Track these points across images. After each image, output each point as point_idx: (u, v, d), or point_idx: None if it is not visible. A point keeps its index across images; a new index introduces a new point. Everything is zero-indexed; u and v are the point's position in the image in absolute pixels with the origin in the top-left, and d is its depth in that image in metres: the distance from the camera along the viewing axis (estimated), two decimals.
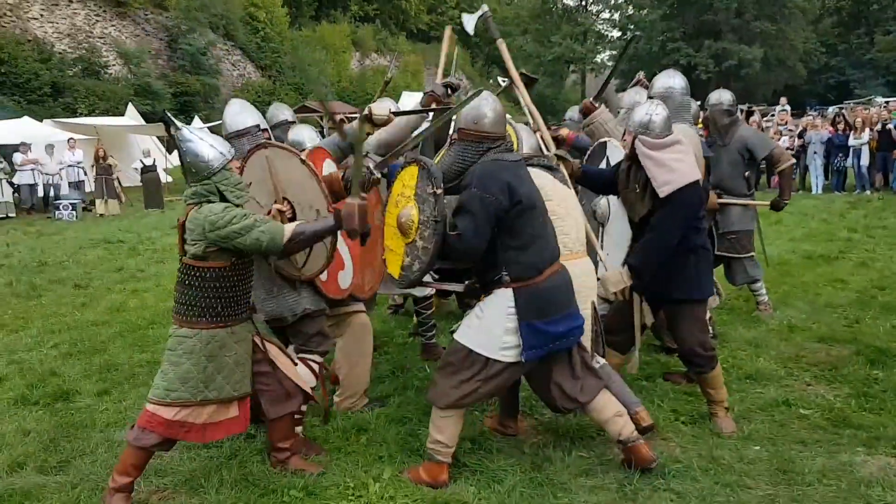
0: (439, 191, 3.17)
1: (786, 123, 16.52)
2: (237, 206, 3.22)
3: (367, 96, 42.65)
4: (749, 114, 18.48)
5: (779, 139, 15.92)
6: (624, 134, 3.94)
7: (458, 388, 3.31)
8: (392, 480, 3.38)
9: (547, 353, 3.32)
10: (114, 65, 30.48)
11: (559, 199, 3.69)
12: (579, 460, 3.56)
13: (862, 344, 5.18)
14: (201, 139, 3.27)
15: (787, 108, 17.44)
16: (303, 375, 3.61)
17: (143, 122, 23.14)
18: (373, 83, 43.62)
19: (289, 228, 3.21)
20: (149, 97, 28.88)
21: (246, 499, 3.27)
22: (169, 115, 4.12)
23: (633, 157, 3.82)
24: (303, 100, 34.82)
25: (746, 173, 6.00)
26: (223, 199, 3.21)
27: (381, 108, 3.95)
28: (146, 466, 3.33)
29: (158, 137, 22.03)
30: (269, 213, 3.62)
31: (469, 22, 4.63)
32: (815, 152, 15.82)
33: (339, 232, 3.40)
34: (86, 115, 24.20)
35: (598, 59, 53.65)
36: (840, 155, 15.47)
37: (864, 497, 3.16)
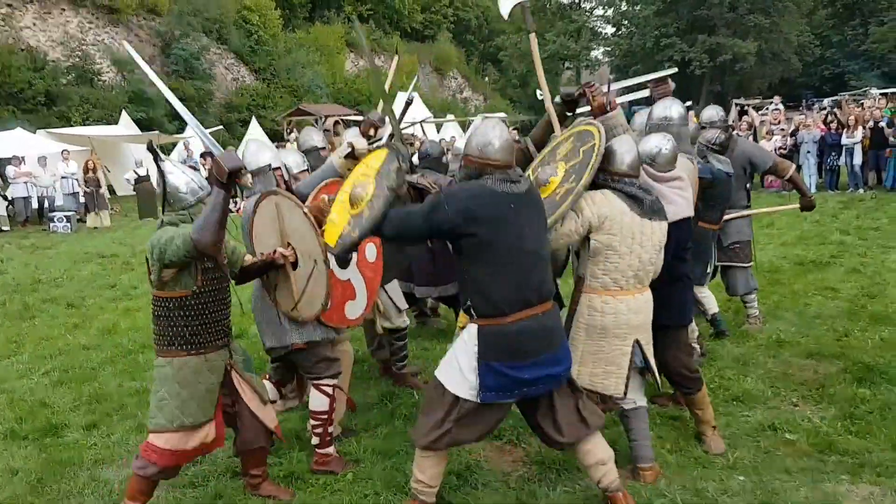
0: (404, 165, 3.21)
1: (779, 123, 16.50)
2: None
3: (362, 97, 42.63)
4: (742, 113, 18.52)
5: (771, 138, 15.92)
6: None
7: (434, 429, 3.24)
8: None
9: (510, 397, 3.22)
10: (108, 72, 30.47)
11: (623, 236, 3.49)
12: (564, 495, 3.58)
13: (850, 360, 5.20)
14: (183, 173, 3.44)
15: (781, 107, 17.44)
16: (270, 418, 3.65)
17: (137, 131, 23.12)
18: (367, 84, 43.58)
19: (195, 225, 3.12)
20: (143, 104, 28.85)
21: None
22: (154, 146, 4.12)
23: None
24: (298, 102, 34.82)
25: (748, 185, 6.13)
26: None
27: (361, 143, 4.05)
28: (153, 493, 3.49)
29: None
30: (273, 252, 3.69)
31: (504, 5, 4.45)
32: (808, 151, 15.81)
33: (354, 263, 3.81)
34: (80, 124, 24.18)
35: (593, 55, 53.60)
36: (833, 154, 15.48)
37: None
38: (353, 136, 4.28)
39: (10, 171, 17.12)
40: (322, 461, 3.97)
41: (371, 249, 4.26)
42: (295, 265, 3.72)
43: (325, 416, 3.96)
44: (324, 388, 3.96)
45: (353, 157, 4.02)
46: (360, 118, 11.78)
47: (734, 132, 6.42)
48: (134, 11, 32.69)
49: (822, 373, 5.06)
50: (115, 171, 20.25)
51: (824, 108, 23.52)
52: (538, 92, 4.43)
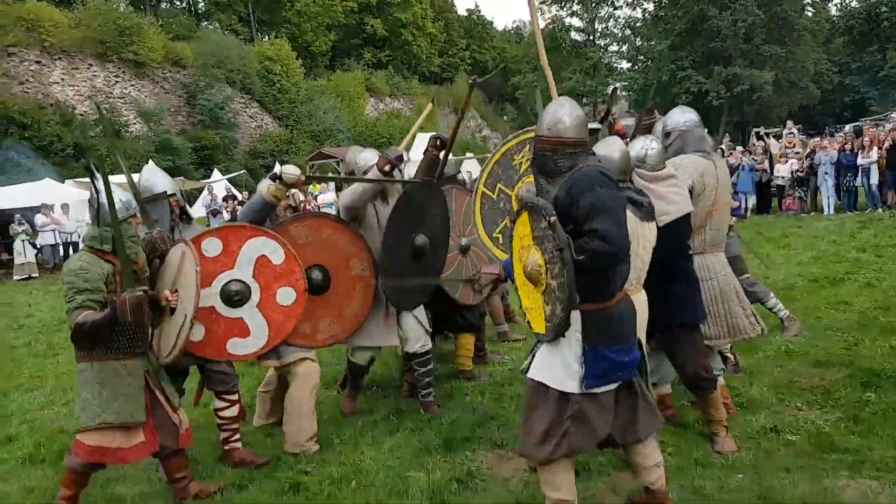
0: (553, 218, 2.89)
1: (793, 146, 16.51)
2: (125, 256, 3.58)
3: (383, 139, 43.31)
4: (759, 137, 18.54)
5: (785, 162, 15.92)
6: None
7: (548, 438, 3.04)
8: None
9: (608, 384, 3.10)
10: (134, 123, 31.35)
11: (632, 236, 3.44)
12: None
13: (857, 367, 5.18)
14: (112, 192, 3.65)
15: (794, 131, 17.47)
16: (181, 421, 3.87)
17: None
18: (387, 126, 44.31)
19: (80, 317, 3.47)
20: (169, 153, 29.62)
21: None
22: (93, 164, 4.28)
23: None
24: (319, 146, 35.44)
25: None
26: (114, 246, 3.59)
27: (290, 169, 4.38)
28: (86, 484, 3.82)
29: (179, 191, 22.54)
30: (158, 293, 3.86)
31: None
32: (825, 173, 15.76)
33: (254, 303, 4.25)
34: (109, 174, 24.79)
35: (609, 89, 53.99)
36: (849, 174, 15.42)
37: None
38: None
39: (38, 219, 17.63)
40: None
41: (287, 293, 4.35)
42: (172, 311, 3.87)
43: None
44: (224, 397, 4.44)
45: (280, 179, 4.35)
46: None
47: (729, 153, 6.47)
48: (159, 64, 33.72)
49: (828, 379, 5.05)
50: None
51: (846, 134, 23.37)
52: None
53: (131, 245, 3.66)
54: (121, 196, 3.73)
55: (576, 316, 3.01)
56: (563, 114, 3.15)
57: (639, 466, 3.33)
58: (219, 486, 4.03)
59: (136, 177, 4.32)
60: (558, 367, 3.08)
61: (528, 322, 3.20)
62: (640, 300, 3.68)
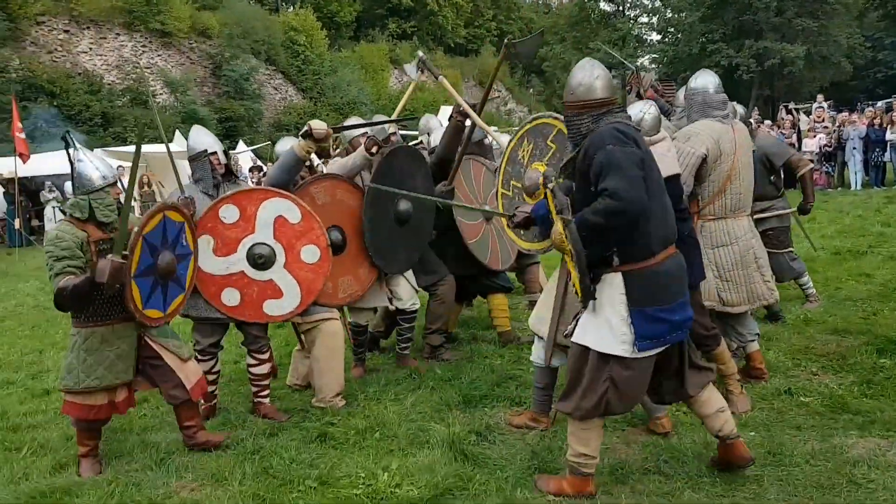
0: (550, 185, 3.05)
1: (822, 120, 16.32)
2: (103, 222, 3.81)
3: (406, 112, 43.25)
4: (788, 112, 18.36)
5: (814, 137, 15.76)
6: None
7: (588, 397, 3.12)
8: (399, 470, 3.60)
9: (662, 344, 3.12)
10: (161, 94, 31.58)
11: None
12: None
13: (874, 335, 5.24)
14: (91, 161, 3.89)
15: (824, 105, 17.27)
16: (191, 371, 4.07)
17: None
18: (412, 99, 44.17)
19: (62, 282, 3.64)
20: (195, 124, 29.82)
21: (265, 489, 3.54)
22: (70, 134, 4.33)
23: None
24: (343, 119, 35.47)
25: (772, 177, 6.15)
26: (92, 214, 3.78)
27: (318, 124, 4.54)
28: (99, 437, 4.05)
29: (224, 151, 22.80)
30: None
31: (411, 70, 4.87)
32: (853, 148, 15.60)
33: (281, 264, 4.43)
34: (133, 144, 25.13)
35: (639, 62, 53.32)
36: (878, 150, 15.24)
37: (849, 476, 3.27)
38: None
39: (68, 186, 17.91)
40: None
41: (311, 251, 4.51)
42: None
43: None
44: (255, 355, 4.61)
45: (311, 136, 4.50)
46: (405, 132, 12.12)
47: (757, 127, 6.46)
48: (185, 35, 33.84)
49: (844, 346, 5.11)
50: (169, 186, 21.02)
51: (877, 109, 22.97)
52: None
53: (108, 213, 3.82)
54: (99, 166, 3.87)
55: (617, 278, 3.06)
56: (584, 76, 3.17)
57: (702, 417, 3.37)
58: (226, 436, 4.20)
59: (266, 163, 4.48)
60: (603, 331, 3.11)
61: (576, 291, 3.23)
62: None
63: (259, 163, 24.25)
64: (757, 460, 3.43)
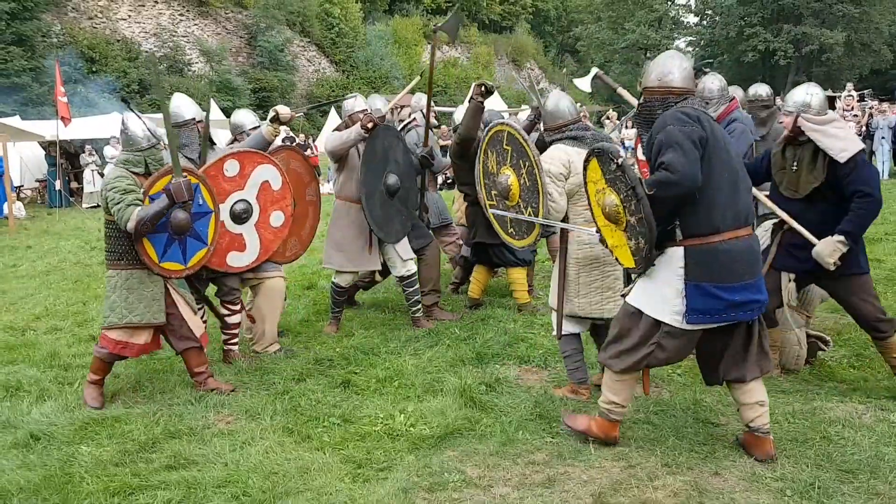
0: (620, 160, 3.11)
1: (851, 108, 16.31)
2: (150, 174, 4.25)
3: (438, 88, 43.30)
4: (831, 99, 18.30)
5: None
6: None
7: (632, 353, 3.30)
8: (414, 413, 3.98)
9: (719, 321, 3.20)
10: (196, 62, 32.11)
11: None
12: (575, 402, 4.09)
13: None
14: (140, 122, 4.32)
15: (854, 93, 17.23)
16: (196, 324, 4.52)
17: (223, 117, 24.43)
18: (443, 75, 44.30)
19: (134, 215, 4.04)
20: (229, 93, 30.36)
21: (294, 423, 3.95)
22: (126, 99, 4.67)
23: (792, 137, 4.11)
24: (374, 92, 35.73)
25: None
26: (147, 169, 4.28)
27: (283, 109, 5.00)
28: (109, 371, 4.48)
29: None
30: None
31: (583, 83, 5.04)
32: (882, 137, 15.60)
33: (253, 222, 4.87)
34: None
35: (675, 45, 52.79)
36: None
37: (823, 433, 3.57)
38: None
39: (107, 151, 18.51)
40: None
41: (278, 216, 5.03)
42: None
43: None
44: (228, 306, 5.07)
45: (278, 120, 4.93)
46: (440, 108, 12.38)
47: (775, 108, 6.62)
48: (222, 4, 34.27)
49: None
50: None
51: None
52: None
53: (158, 167, 4.31)
54: (146, 127, 4.31)
55: (678, 252, 3.17)
56: (672, 65, 3.34)
57: (739, 403, 3.42)
58: (232, 387, 4.55)
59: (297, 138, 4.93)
60: (657, 299, 3.24)
61: (617, 259, 3.39)
62: None
63: (291, 134, 24.72)
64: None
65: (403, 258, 5.72)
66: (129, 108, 4.44)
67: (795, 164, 4.11)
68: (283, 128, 5.40)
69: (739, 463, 3.34)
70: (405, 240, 5.78)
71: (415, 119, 6.85)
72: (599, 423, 3.51)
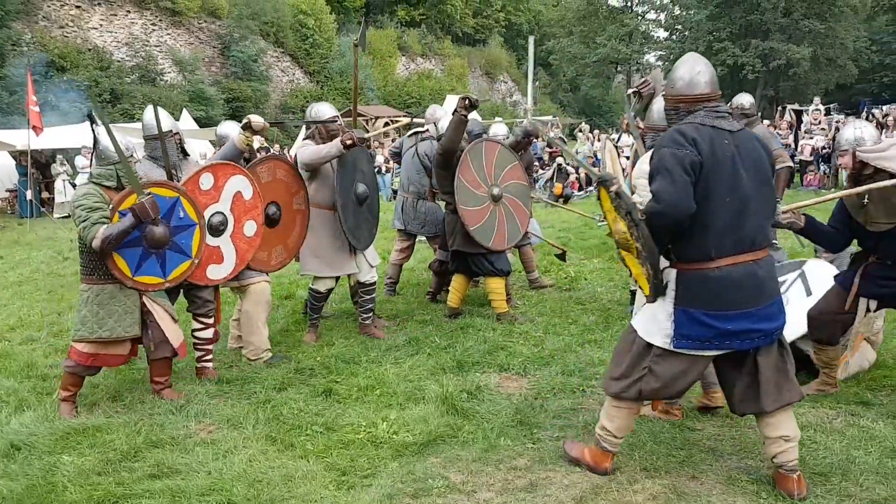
0: (614, 187, 3.08)
1: (819, 122, 16.70)
2: (134, 178, 4.20)
3: (412, 100, 43.47)
4: (798, 113, 18.72)
5: (810, 139, 16.12)
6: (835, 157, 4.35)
7: (623, 377, 3.23)
8: (397, 420, 4.02)
9: (709, 349, 3.10)
10: (169, 72, 31.89)
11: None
12: (556, 407, 4.17)
13: None
14: (113, 135, 4.26)
15: (821, 107, 17.64)
16: (174, 333, 4.50)
17: (196, 127, 24.31)
18: (418, 86, 44.50)
19: (100, 233, 4.03)
20: (202, 103, 30.19)
21: (277, 432, 3.97)
22: (92, 111, 4.66)
23: (855, 174, 4.04)
24: (349, 104, 35.74)
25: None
26: (119, 183, 4.25)
27: (256, 118, 5.03)
28: (82, 385, 4.46)
29: (211, 141, 23.21)
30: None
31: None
32: None
33: (228, 234, 4.88)
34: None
35: (645, 59, 53.57)
36: None
37: None
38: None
39: (79, 160, 18.30)
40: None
41: (251, 226, 5.07)
42: None
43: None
44: (201, 319, 5.01)
45: (250, 128, 4.96)
46: (410, 119, 12.52)
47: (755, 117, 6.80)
48: (195, 14, 34.08)
49: None
50: None
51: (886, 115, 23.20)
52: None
53: (132, 178, 4.27)
54: (120, 139, 4.29)
55: (671, 274, 3.12)
56: (684, 70, 3.22)
57: (762, 435, 3.29)
58: (182, 395, 4.58)
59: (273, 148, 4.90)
60: (650, 321, 3.20)
61: (640, 287, 3.35)
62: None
63: (266, 144, 24.65)
64: (715, 421, 3.86)
65: (371, 264, 5.83)
66: (92, 124, 4.44)
67: (868, 197, 3.98)
68: (258, 138, 5.43)
69: (716, 466, 3.44)
70: (372, 246, 5.92)
71: (428, 130, 6.97)
72: (592, 452, 3.41)
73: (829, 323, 4.24)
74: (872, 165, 3.90)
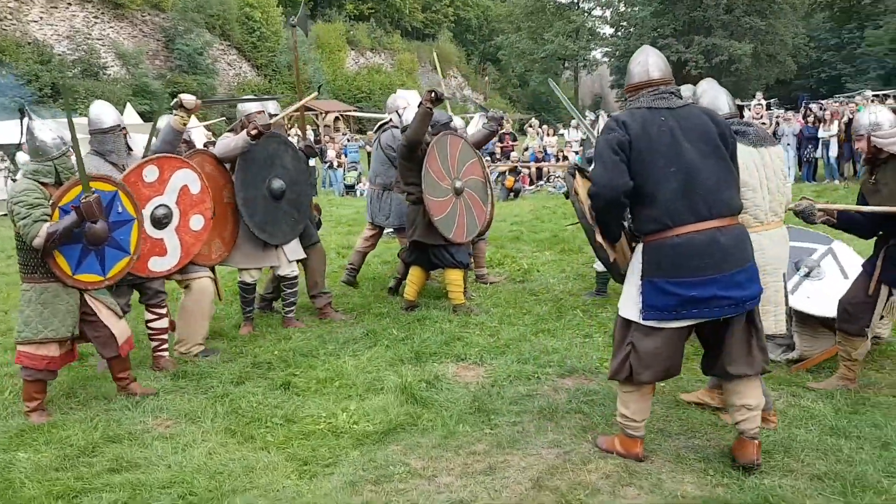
0: (568, 170, 3.45)
1: (760, 116, 17.21)
2: (61, 183, 4.13)
3: (362, 94, 43.30)
4: (740, 108, 19.20)
5: None
6: (852, 141, 4.42)
7: (616, 357, 3.33)
8: (357, 411, 4.08)
9: (675, 318, 3.15)
10: (112, 66, 31.20)
11: (751, 170, 3.65)
12: (513, 394, 4.28)
13: None
14: (49, 130, 4.22)
15: (763, 102, 18.22)
16: (120, 330, 4.43)
17: (140, 122, 23.83)
18: (367, 81, 44.33)
19: (42, 231, 3.96)
20: (147, 97, 29.62)
21: (236, 424, 3.99)
22: (26, 107, 4.61)
23: (871, 158, 4.18)
24: (298, 98, 35.43)
25: None
26: (58, 178, 4.16)
27: (188, 97, 5.01)
28: (46, 390, 4.31)
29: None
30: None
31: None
32: (787, 144, 16.48)
33: (173, 227, 4.91)
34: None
35: (591, 55, 54.28)
36: (810, 146, 16.16)
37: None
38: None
39: (20, 157, 17.76)
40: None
41: (198, 219, 5.12)
42: None
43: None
44: (155, 310, 5.01)
45: (183, 107, 4.95)
46: (359, 114, 12.49)
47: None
48: (138, 7, 33.42)
49: None
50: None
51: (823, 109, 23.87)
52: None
53: (70, 175, 4.22)
54: (56, 133, 4.22)
55: (640, 248, 3.25)
56: (632, 62, 3.39)
57: (727, 403, 3.42)
58: (154, 391, 4.55)
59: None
60: (625, 296, 3.32)
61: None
62: (776, 235, 3.76)
63: (212, 137, 24.30)
64: (666, 407, 4.01)
65: (289, 259, 5.88)
66: (26, 118, 4.35)
67: (880, 181, 4.11)
68: (202, 131, 5.40)
69: (665, 446, 3.58)
70: (295, 241, 5.96)
71: (391, 120, 6.99)
72: (621, 440, 3.47)
73: (859, 314, 4.23)
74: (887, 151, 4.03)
